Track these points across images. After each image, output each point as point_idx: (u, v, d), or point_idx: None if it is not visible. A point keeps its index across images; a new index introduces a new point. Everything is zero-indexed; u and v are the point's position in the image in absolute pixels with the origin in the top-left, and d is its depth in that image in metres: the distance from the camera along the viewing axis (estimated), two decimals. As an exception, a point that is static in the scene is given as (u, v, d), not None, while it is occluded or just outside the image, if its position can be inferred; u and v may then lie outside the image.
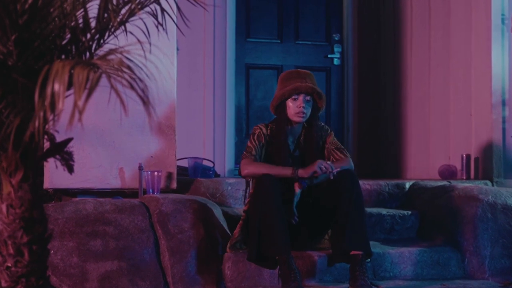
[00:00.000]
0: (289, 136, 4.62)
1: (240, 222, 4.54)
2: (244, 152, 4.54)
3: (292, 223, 4.48)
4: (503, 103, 6.05)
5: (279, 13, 7.53)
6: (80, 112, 2.24)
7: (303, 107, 4.50)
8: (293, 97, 4.51)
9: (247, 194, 4.63)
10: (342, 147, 4.66)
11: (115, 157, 5.11)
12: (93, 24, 2.83)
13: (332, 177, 4.38)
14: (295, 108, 4.51)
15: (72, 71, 2.35)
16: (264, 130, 4.60)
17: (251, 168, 4.46)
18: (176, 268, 4.46)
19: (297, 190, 4.48)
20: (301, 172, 4.43)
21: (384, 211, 5.28)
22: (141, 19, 2.89)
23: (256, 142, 4.55)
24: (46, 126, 2.67)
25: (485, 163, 6.10)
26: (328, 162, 4.41)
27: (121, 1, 2.84)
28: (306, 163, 4.54)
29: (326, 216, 4.48)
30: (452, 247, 4.95)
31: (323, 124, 4.73)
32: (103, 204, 4.63)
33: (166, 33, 2.98)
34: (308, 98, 4.52)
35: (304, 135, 4.63)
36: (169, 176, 5.21)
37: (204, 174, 5.63)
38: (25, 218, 2.80)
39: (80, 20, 2.81)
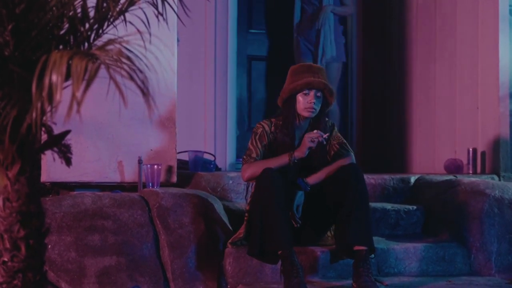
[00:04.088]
0: (296, 131, 4.56)
1: (244, 223, 4.49)
2: (244, 156, 4.49)
3: (295, 226, 4.43)
4: (511, 96, 6.01)
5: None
6: (79, 104, 2.22)
7: (314, 103, 4.44)
8: (304, 91, 4.45)
9: (248, 193, 4.56)
10: (345, 141, 4.61)
11: (114, 150, 5.08)
12: (91, 13, 2.82)
13: (325, 142, 4.40)
14: (305, 103, 4.45)
15: (70, 61, 2.34)
16: (267, 127, 4.54)
17: (249, 170, 4.41)
18: (176, 264, 4.43)
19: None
20: (297, 154, 4.40)
21: (388, 206, 5.23)
22: (141, 8, 2.87)
23: (258, 143, 4.49)
24: (44, 118, 2.67)
25: (492, 157, 6.07)
26: (315, 131, 4.38)
27: (120, -10, 2.81)
28: (311, 159, 4.50)
29: (330, 211, 4.44)
30: (458, 243, 4.91)
31: (328, 119, 4.68)
32: (102, 198, 4.60)
33: (167, 23, 2.93)
34: (319, 94, 4.47)
35: (311, 131, 4.56)
36: (169, 169, 5.18)
37: (205, 168, 5.59)
38: (22, 212, 2.79)
39: (79, 10, 2.80)
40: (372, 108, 7.64)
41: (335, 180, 4.40)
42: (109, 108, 4.86)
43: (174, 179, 5.20)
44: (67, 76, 2.32)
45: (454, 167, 6.24)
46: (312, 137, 4.35)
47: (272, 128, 4.54)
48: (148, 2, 2.89)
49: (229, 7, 6.77)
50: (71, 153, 2.82)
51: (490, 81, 6.07)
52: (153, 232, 4.53)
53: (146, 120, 5.09)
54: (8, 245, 2.78)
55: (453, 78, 6.60)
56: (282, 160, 4.42)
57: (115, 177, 5.09)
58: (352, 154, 4.57)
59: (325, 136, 4.36)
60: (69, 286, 4.29)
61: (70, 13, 2.76)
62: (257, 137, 4.51)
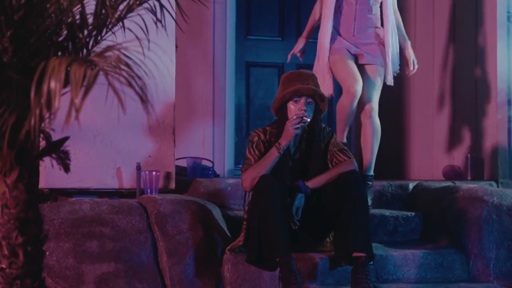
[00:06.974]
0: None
1: (243, 231, 4.47)
2: (244, 165, 4.47)
3: (293, 228, 4.42)
4: (509, 103, 6.01)
5: (281, 10, 7.47)
6: (77, 110, 2.22)
7: (305, 110, 4.44)
8: (295, 99, 4.45)
9: (246, 201, 4.55)
10: (345, 148, 4.61)
11: (112, 157, 5.07)
12: (90, 20, 2.82)
13: (306, 124, 4.40)
14: (296, 110, 4.44)
15: (68, 68, 2.34)
16: (262, 136, 4.54)
17: (249, 178, 4.39)
18: (174, 270, 4.42)
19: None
20: (283, 142, 4.40)
21: (387, 212, 5.22)
22: (140, 15, 2.87)
23: (256, 151, 4.49)
24: (42, 125, 2.66)
25: (491, 163, 6.06)
26: (294, 116, 4.38)
27: (119, -3, 2.81)
28: (307, 166, 4.52)
29: (329, 218, 4.44)
30: (457, 249, 4.90)
31: (325, 125, 4.68)
32: (100, 205, 4.58)
33: (165, 30, 2.93)
34: (309, 100, 4.47)
35: (306, 137, 4.56)
36: (168, 176, 5.17)
37: (203, 174, 5.58)
38: (20, 219, 2.79)
39: (77, 16, 2.80)
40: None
41: (335, 185, 4.40)
42: (107, 114, 4.86)
43: (173, 185, 5.19)
44: (66, 83, 2.31)
45: (452, 173, 6.23)
46: (294, 123, 4.36)
47: (267, 136, 4.53)
48: (147, 9, 2.89)
49: (227, 14, 6.76)
50: (69, 160, 2.81)
51: (488, 87, 6.07)
52: (151, 238, 4.51)
53: (145, 127, 5.09)
54: (6, 252, 2.77)
55: (451, 85, 6.59)
56: (272, 155, 4.41)
57: (113, 184, 5.08)
58: (354, 160, 4.56)
59: (306, 118, 4.38)
60: (67, 292, 4.28)
61: (69, 20, 2.76)
62: (254, 145, 4.51)
